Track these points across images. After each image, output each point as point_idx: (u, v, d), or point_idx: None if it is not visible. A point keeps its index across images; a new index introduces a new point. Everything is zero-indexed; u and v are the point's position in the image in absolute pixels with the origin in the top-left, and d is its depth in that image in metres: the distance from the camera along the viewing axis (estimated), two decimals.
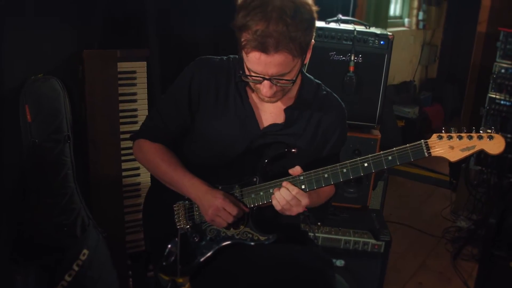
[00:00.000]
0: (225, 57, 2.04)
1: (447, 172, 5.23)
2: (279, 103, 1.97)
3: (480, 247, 3.76)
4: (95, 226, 2.69)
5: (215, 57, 2.03)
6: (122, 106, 2.86)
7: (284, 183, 1.84)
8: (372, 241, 2.91)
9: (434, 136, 1.74)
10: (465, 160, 4.29)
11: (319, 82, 2.08)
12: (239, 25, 1.70)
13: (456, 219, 4.51)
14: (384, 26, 5.38)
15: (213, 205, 1.86)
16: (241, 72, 1.84)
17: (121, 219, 2.95)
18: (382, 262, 2.95)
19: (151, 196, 2.20)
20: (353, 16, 4.34)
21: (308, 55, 1.84)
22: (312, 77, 2.07)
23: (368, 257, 2.94)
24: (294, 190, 1.81)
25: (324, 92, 2.05)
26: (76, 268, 2.58)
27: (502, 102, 4.02)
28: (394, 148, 1.77)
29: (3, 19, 2.43)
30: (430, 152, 1.73)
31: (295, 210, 1.83)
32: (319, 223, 2.91)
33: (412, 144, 1.75)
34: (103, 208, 2.85)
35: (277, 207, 1.84)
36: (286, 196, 1.81)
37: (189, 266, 1.96)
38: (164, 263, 1.99)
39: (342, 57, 3.00)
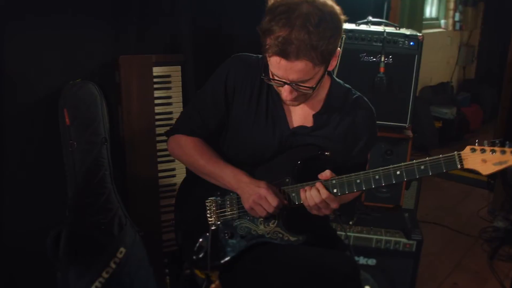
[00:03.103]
0: (261, 55, 2.05)
1: None
2: (308, 108, 2.01)
3: None
4: (132, 225, 2.77)
5: (252, 54, 2.06)
6: (157, 109, 2.95)
7: (318, 184, 1.87)
8: (404, 240, 2.93)
9: (468, 148, 1.75)
10: None
11: (349, 87, 2.09)
12: (264, 29, 1.74)
13: (494, 219, 4.46)
14: (419, 27, 5.35)
15: (257, 193, 1.89)
16: (263, 74, 1.87)
17: (158, 218, 3.04)
18: (414, 262, 2.95)
19: (183, 191, 2.24)
20: (387, 18, 4.34)
21: (334, 63, 1.86)
22: (342, 82, 2.09)
23: (399, 257, 2.95)
24: (325, 194, 1.84)
25: (354, 96, 2.06)
26: (113, 265, 2.66)
27: None
28: (427, 158, 1.79)
29: (44, 27, 2.56)
30: (463, 164, 1.74)
31: (323, 212, 1.87)
32: (350, 222, 2.94)
33: (446, 155, 1.76)
34: (140, 208, 2.94)
35: (305, 203, 1.88)
36: (315, 198, 1.84)
37: (219, 262, 2.02)
38: (194, 257, 2.06)
39: (372, 58, 3.01)
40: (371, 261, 2.96)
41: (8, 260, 2.66)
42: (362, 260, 2.96)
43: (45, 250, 2.63)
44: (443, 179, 5.45)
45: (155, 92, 2.94)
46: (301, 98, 1.89)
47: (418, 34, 2.99)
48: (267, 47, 1.75)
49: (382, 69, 3.00)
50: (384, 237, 2.94)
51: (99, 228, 2.68)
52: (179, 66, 3.00)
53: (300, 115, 2.03)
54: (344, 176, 1.87)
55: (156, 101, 2.94)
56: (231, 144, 2.11)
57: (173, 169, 3.03)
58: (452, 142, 6.23)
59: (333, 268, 1.88)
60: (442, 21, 6.97)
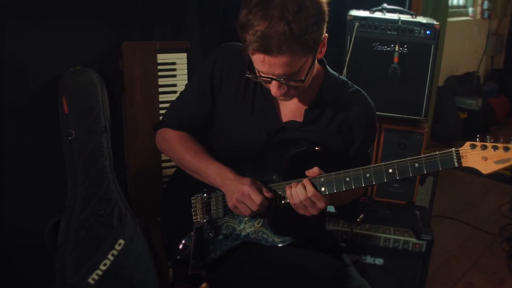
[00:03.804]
0: None
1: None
2: (299, 101, 1.90)
3: None
4: (132, 216, 2.70)
5: (242, 44, 1.97)
6: (162, 98, 2.87)
7: (304, 181, 1.76)
8: (413, 240, 2.80)
9: (467, 144, 1.61)
10: None
11: (345, 79, 1.98)
12: (241, 24, 1.62)
13: None
14: (444, 15, 5.18)
15: (239, 190, 1.80)
16: (248, 72, 1.76)
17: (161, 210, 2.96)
18: (423, 263, 2.83)
19: (170, 187, 2.17)
20: (409, 6, 4.19)
21: (323, 50, 1.75)
22: (337, 74, 1.97)
23: (408, 257, 2.83)
24: (311, 191, 1.74)
25: (350, 90, 1.94)
26: (111, 257, 2.60)
27: None
28: (422, 155, 1.66)
29: (42, 11, 2.48)
30: (461, 162, 1.61)
31: (310, 211, 1.77)
32: (358, 220, 2.83)
33: (442, 152, 1.63)
34: (142, 199, 2.87)
35: (290, 201, 1.78)
36: (301, 195, 1.74)
37: (202, 262, 1.94)
38: (178, 257, 1.98)
39: (386, 48, 2.90)
40: (378, 261, 2.85)
41: (8, 251, 2.64)
42: (369, 260, 2.85)
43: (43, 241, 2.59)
44: (466, 173, 5.26)
45: (160, 79, 2.85)
46: (292, 92, 1.77)
47: (435, 22, 2.86)
48: (247, 43, 1.63)
49: (396, 59, 2.89)
50: (392, 236, 2.81)
51: (98, 219, 2.61)
52: (185, 53, 2.90)
53: (291, 109, 1.92)
54: (333, 173, 1.76)
55: (161, 89, 2.86)
56: (218, 138, 2.02)
57: None
58: (477, 134, 6.03)
59: (315, 272, 1.77)
60: (470, 9, 6.75)
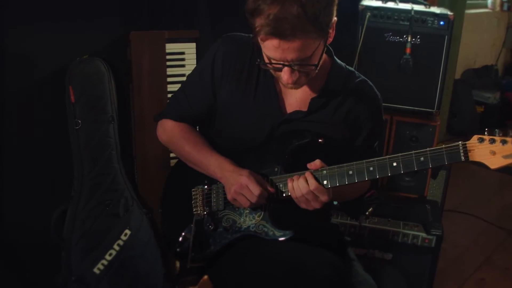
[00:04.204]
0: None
1: None
2: (306, 91, 1.86)
3: None
4: (139, 206, 2.68)
5: (244, 34, 1.92)
6: (170, 88, 2.83)
7: (306, 174, 1.72)
8: (423, 234, 2.76)
9: (475, 138, 1.56)
10: None
11: (352, 69, 1.94)
12: (251, 9, 1.58)
13: None
14: (462, 7, 5.09)
15: (237, 182, 1.77)
16: (258, 60, 1.72)
17: None
18: (432, 258, 2.79)
19: (171, 178, 2.15)
20: None
21: (333, 34, 1.71)
22: (344, 64, 1.93)
23: (417, 252, 2.79)
24: (313, 185, 1.69)
25: (357, 80, 1.90)
26: (117, 247, 2.58)
27: None
28: (428, 149, 1.61)
29: (52, 3, 2.47)
30: (467, 156, 1.56)
31: (312, 205, 1.73)
32: (367, 213, 2.78)
33: (449, 145, 1.57)
34: (149, 189, 2.84)
35: (292, 195, 1.74)
36: (303, 189, 1.70)
37: (201, 255, 1.91)
38: (178, 249, 1.96)
39: (398, 39, 2.85)
40: (387, 255, 2.80)
41: (14, 242, 2.63)
42: (377, 254, 2.81)
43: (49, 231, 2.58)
44: (481, 167, 5.17)
45: (168, 69, 2.82)
46: (303, 79, 1.73)
47: (449, 13, 2.80)
48: (258, 29, 1.58)
49: (408, 50, 2.84)
50: (401, 230, 2.77)
51: (104, 209, 2.60)
52: (194, 43, 2.86)
53: (297, 99, 1.88)
54: (336, 166, 1.71)
55: (169, 79, 2.83)
56: (219, 130, 1.99)
57: None
58: (494, 128, 5.94)
59: (314, 269, 1.72)
60: (489, 1, 6.64)
